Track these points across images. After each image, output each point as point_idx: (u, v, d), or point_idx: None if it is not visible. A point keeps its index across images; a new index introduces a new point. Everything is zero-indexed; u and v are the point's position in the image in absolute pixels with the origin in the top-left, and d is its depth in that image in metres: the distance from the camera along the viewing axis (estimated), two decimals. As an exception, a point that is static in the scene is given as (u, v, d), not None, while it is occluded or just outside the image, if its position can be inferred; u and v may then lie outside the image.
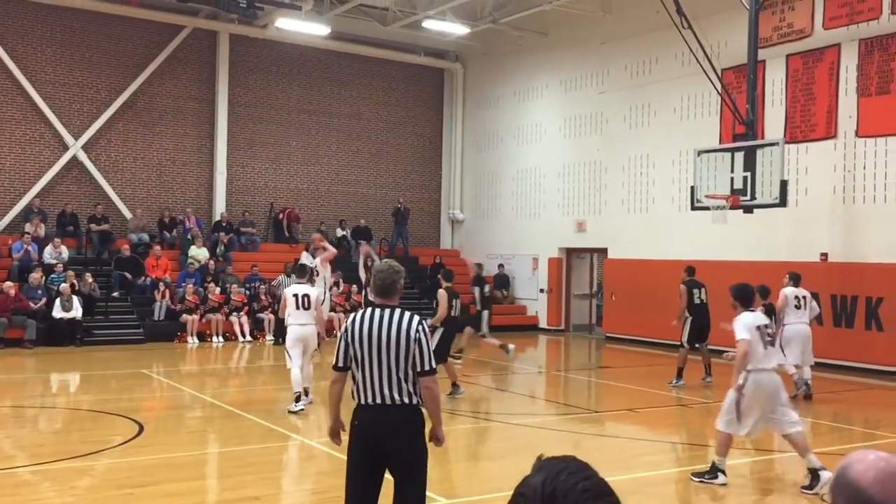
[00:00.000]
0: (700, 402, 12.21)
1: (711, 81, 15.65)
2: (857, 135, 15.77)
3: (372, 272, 5.36)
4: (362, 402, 4.54)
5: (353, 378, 4.61)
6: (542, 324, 23.01)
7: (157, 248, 20.09)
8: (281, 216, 23.20)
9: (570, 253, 22.83)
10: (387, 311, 4.54)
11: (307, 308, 10.47)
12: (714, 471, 7.43)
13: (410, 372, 4.48)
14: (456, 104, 26.12)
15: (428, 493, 7.00)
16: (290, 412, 10.20)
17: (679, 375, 13.19)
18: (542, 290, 23.15)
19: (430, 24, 21.96)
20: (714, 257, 17.68)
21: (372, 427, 4.50)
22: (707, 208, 14.98)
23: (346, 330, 4.62)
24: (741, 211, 14.79)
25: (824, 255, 16.18)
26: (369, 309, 4.62)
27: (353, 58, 24.42)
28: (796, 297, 12.10)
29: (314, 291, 10.90)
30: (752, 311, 7.72)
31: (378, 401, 4.48)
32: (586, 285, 23.17)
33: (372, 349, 4.47)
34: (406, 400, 4.48)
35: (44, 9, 20.42)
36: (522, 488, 1.38)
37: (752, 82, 15.16)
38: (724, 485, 7.36)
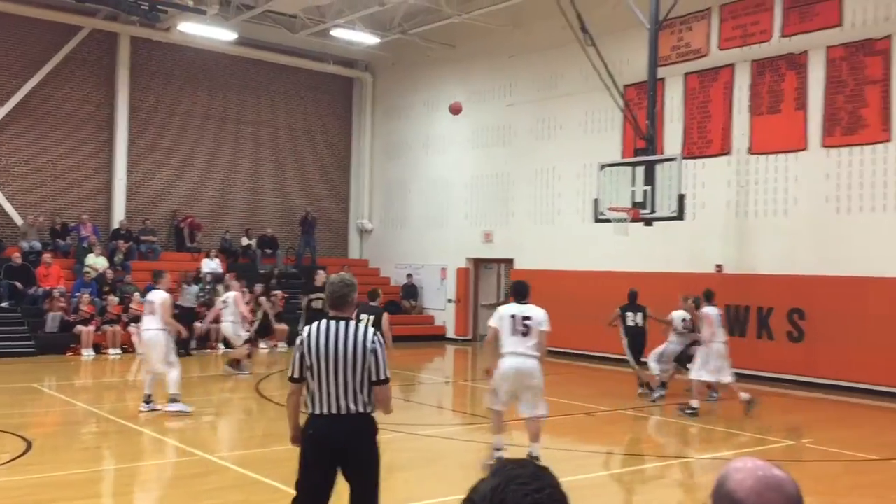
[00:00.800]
0: (603, 410, 12.47)
1: (613, 97, 16.09)
2: (749, 152, 16.49)
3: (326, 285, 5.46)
4: (317, 411, 4.68)
5: (308, 388, 4.73)
6: (450, 334, 23.12)
7: (48, 256, 19.25)
8: (182, 225, 22.60)
9: (478, 263, 23.03)
10: (342, 324, 4.73)
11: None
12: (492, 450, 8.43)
13: (366, 382, 4.68)
14: (365, 113, 26.04)
15: (331, 507, 6.92)
16: None
17: (650, 388, 13.43)
18: (449, 301, 23.26)
19: (339, 33, 21.84)
20: (616, 268, 18.15)
21: (328, 435, 4.67)
22: (609, 220, 15.37)
23: (301, 342, 4.76)
24: (642, 223, 15.24)
25: (719, 266, 16.81)
26: (324, 321, 4.76)
27: (260, 64, 24.05)
28: (719, 314, 12.50)
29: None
30: (525, 303, 8.68)
31: (334, 410, 4.63)
32: (494, 295, 23.39)
33: (329, 360, 4.64)
34: (361, 409, 4.71)
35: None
36: (473, 494, 1.35)
37: (652, 99, 15.66)
38: (498, 458, 7.53)
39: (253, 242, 23.35)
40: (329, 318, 4.78)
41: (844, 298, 14.55)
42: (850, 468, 9.05)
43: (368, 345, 4.66)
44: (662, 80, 16.93)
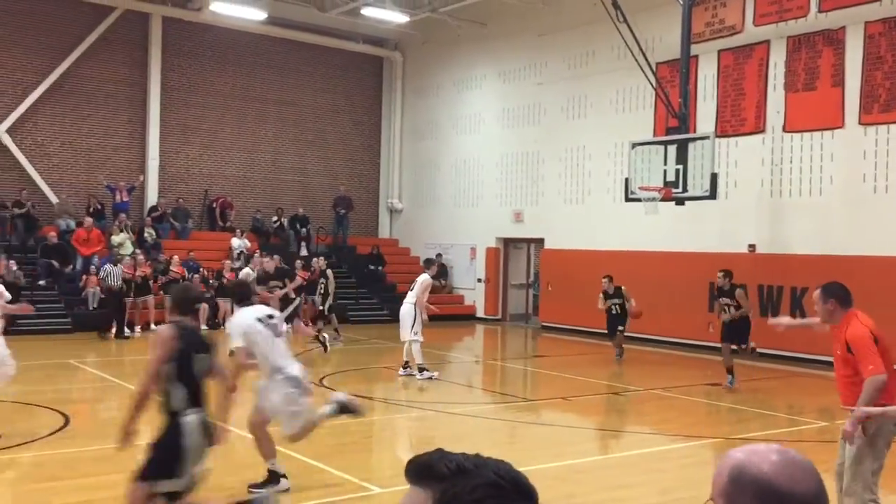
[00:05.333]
0: (632, 390, 12.45)
1: (646, 75, 15.91)
2: (784, 129, 16.23)
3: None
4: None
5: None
6: (480, 313, 23.15)
7: (89, 220, 19.48)
8: (214, 205, 22.81)
9: (508, 243, 22.99)
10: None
11: None
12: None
13: None
14: (395, 93, 26.01)
15: (363, 483, 7.02)
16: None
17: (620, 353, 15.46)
18: (479, 280, 23.27)
19: (369, 12, 21.79)
20: (647, 248, 18.03)
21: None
22: (640, 200, 15.26)
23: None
24: (673, 203, 15.10)
25: (752, 246, 16.63)
26: None
27: (290, 44, 24.09)
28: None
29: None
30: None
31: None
32: (523, 275, 23.37)
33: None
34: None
35: (-35, -15, 19.66)
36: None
37: (685, 77, 15.47)
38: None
39: (285, 222, 23.51)
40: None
41: (881, 279, 14.32)
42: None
43: None
44: (696, 57, 16.69)
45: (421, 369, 12.52)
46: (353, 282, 23.08)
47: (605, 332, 15.93)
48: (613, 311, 15.33)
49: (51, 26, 20.82)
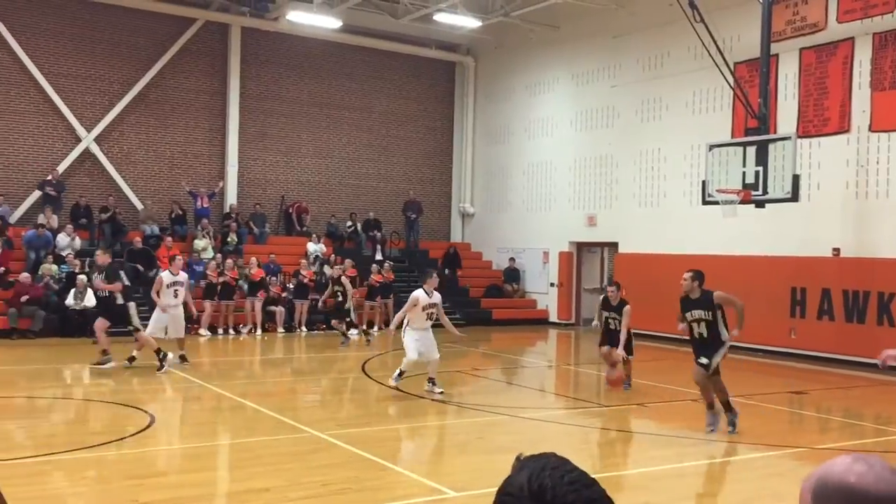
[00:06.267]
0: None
1: (724, 75, 15.58)
2: (870, 129, 15.67)
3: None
4: None
5: None
6: (553, 318, 23.01)
7: (169, 239, 20.17)
8: (290, 210, 23.28)
9: (581, 247, 22.80)
10: None
11: None
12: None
13: None
14: (467, 97, 26.09)
15: (437, 486, 7.05)
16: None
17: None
18: (552, 284, 23.13)
19: (442, 18, 21.92)
20: (725, 252, 17.64)
21: None
22: (718, 203, 14.94)
23: None
24: (753, 205, 14.74)
25: (836, 250, 16.10)
26: None
27: (364, 51, 24.42)
28: None
29: None
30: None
31: None
32: (597, 279, 23.13)
33: None
34: None
35: (56, 1, 20.50)
36: (508, 488, 1.38)
37: (765, 76, 15.08)
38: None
39: (358, 226, 23.82)
40: None
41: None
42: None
43: None
44: (776, 56, 16.26)
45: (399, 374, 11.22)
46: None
47: (601, 344, 12.44)
48: (611, 325, 12.08)
49: (136, 39, 21.58)
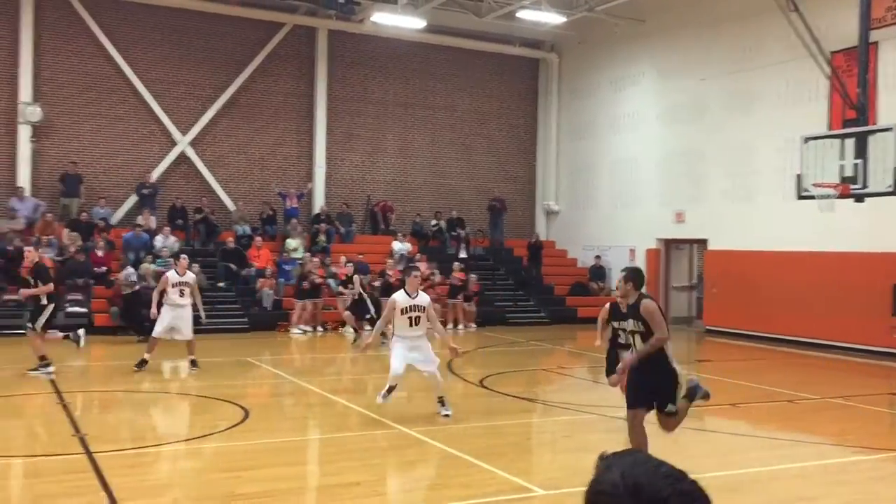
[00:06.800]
0: (807, 398, 11.78)
1: (819, 65, 15.02)
2: (979, 118, 14.86)
3: None
4: None
5: None
6: (640, 316, 22.60)
7: (259, 239, 20.71)
8: (376, 209, 23.59)
9: (669, 244, 22.36)
10: None
11: None
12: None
13: None
14: (551, 94, 25.92)
15: (525, 484, 7.04)
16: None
17: None
18: (639, 282, 22.72)
19: (525, 15, 21.83)
20: (820, 248, 17.03)
21: None
22: (814, 197, 14.42)
23: None
24: (851, 200, 14.17)
25: (942, 245, 15.34)
26: None
27: (447, 50, 24.54)
28: None
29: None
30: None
31: None
32: (685, 277, 22.65)
33: None
34: None
35: (153, 10, 21.30)
36: (599, 486, 1.37)
37: (864, 65, 14.47)
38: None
39: (442, 224, 23.96)
40: None
41: None
42: None
43: None
44: (875, 44, 15.58)
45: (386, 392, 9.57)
46: (511, 284, 23.19)
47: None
48: (622, 339, 8.02)
49: (227, 45, 22.24)
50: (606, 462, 1.39)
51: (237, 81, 22.30)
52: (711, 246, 20.52)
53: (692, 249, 22.39)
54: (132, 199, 21.17)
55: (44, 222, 19.13)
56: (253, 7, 22.06)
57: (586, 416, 10.41)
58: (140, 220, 20.20)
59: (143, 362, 12.75)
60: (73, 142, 20.78)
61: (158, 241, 19.71)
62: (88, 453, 7.80)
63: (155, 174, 21.39)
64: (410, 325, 9.35)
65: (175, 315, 12.74)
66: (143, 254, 19.21)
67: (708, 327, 20.36)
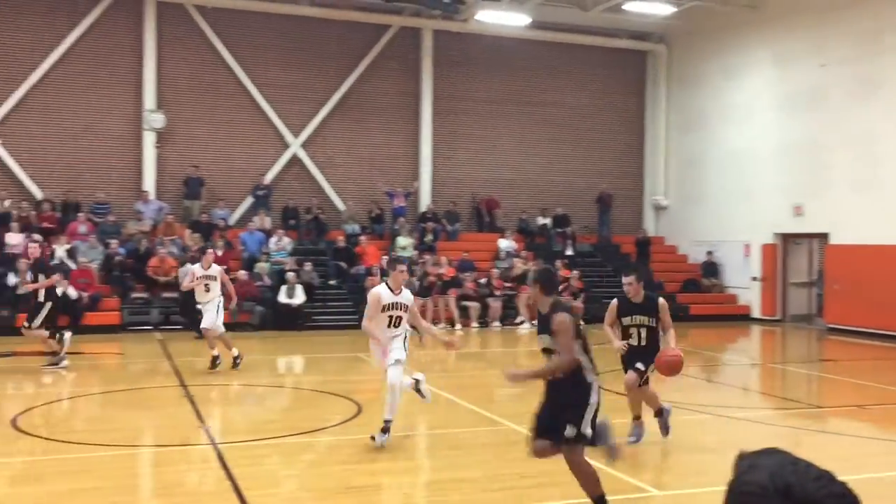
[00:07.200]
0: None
1: (952, 47, 14.12)
2: None
3: None
4: None
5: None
6: (755, 314, 21.86)
7: (363, 238, 21.10)
8: (481, 205, 23.64)
9: (787, 239, 21.50)
10: None
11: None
12: None
13: None
14: (659, 87, 25.32)
15: (639, 484, 6.92)
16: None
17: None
18: (754, 279, 21.98)
19: (632, 6, 21.43)
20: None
21: None
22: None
23: None
24: None
25: None
26: None
27: (552, 45, 24.34)
28: None
29: None
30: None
31: None
32: (805, 273, 21.74)
33: None
34: None
35: (266, 18, 22.02)
36: (746, 487, 1.32)
37: None
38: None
39: (548, 221, 23.79)
40: None
41: None
42: None
43: None
44: None
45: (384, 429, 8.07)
46: (618, 280, 22.76)
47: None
48: (636, 340, 8.04)
49: (336, 48, 22.77)
50: (749, 462, 1.35)
51: (346, 84, 22.79)
52: (833, 240, 19.61)
53: (811, 244, 21.46)
54: (248, 201, 21.96)
55: (166, 224, 20.09)
56: (360, 10, 22.50)
57: (700, 416, 10.15)
58: (255, 220, 20.93)
59: (214, 360, 12.51)
60: (193, 146, 21.74)
61: (272, 241, 20.37)
62: (213, 444, 8.15)
63: (269, 176, 22.12)
64: (390, 324, 8.13)
65: (202, 310, 12.69)
66: (258, 253, 19.92)
67: (830, 325, 19.48)
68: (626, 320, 8.11)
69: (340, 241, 20.98)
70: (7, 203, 19.50)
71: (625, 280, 8.20)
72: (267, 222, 21.06)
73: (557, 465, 7.60)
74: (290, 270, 19.13)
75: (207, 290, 12.53)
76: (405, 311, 8.22)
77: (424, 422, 10.02)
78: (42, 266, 12.65)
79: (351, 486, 6.85)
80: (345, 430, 8.91)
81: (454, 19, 22.57)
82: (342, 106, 22.91)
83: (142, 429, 9.43)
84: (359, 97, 23.09)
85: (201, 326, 12.72)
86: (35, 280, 12.44)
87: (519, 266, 20.80)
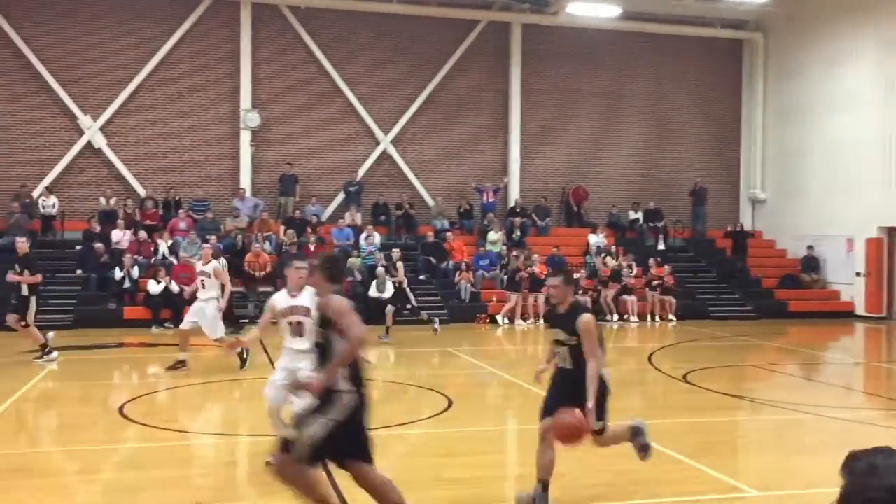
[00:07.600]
0: None
1: None
2: None
3: None
4: None
5: None
6: (859, 311, 20.98)
7: (450, 234, 21.21)
8: (569, 197, 23.43)
9: (893, 233, 20.55)
10: None
11: None
12: None
13: None
14: (755, 77, 24.54)
15: (738, 485, 6.75)
16: None
17: None
18: (858, 274, 21.09)
19: (728, -6, 20.84)
20: None
21: None
22: None
23: None
24: None
25: None
26: None
27: (643, 36, 23.89)
28: None
29: None
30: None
31: None
32: (913, 269, 20.75)
33: None
34: None
35: (358, 16, 22.39)
36: (869, 493, 1.26)
37: None
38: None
39: (640, 216, 23.39)
40: None
41: None
42: None
43: None
44: None
45: None
46: (713, 276, 22.26)
47: None
48: (561, 362, 6.07)
49: (425, 45, 22.94)
50: (867, 463, 1.29)
51: (435, 80, 22.94)
52: (944, 234, 18.64)
53: (921, 238, 20.47)
54: (340, 197, 22.36)
55: (261, 220, 20.66)
56: (449, 6, 22.60)
57: (800, 416, 9.81)
58: (347, 216, 21.29)
59: (178, 363, 11.88)
60: (287, 144, 22.28)
61: (363, 237, 20.68)
62: (307, 435, 8.33)
63: (360, 172, 22.47)
64: (293, 334, 7.00)
65: (196, 309, 11.88)
66: (349, 248, 20.26)
67: (940, 323, 18.53)
68: (552, 333, 6.12)
69: (430, 236, 21.14)
70: (112, 201, 20.46)
71: (549, 282, 6.38)
72: (358, 218, 21.40)
73: (656, 464, 7.49)
74: (379, 266, 19.38)
75: (204, 287, 11.93)
76: (306, 317, 6.67)
77: (515, 416, 10.01)
78: (30, 261, 12.66)
79: (443, 478, 6.91)
80: (436, 423, 8.99)
81: (543, 13, 22.42)
82: (431, 102, 23.07)
83: (239, 420, 9.74)
84: (447, 93, 23.20)
85: (209, 337, 12.07)
86: (21, 274, 12.45)
87: (610, 263, 20.56)
